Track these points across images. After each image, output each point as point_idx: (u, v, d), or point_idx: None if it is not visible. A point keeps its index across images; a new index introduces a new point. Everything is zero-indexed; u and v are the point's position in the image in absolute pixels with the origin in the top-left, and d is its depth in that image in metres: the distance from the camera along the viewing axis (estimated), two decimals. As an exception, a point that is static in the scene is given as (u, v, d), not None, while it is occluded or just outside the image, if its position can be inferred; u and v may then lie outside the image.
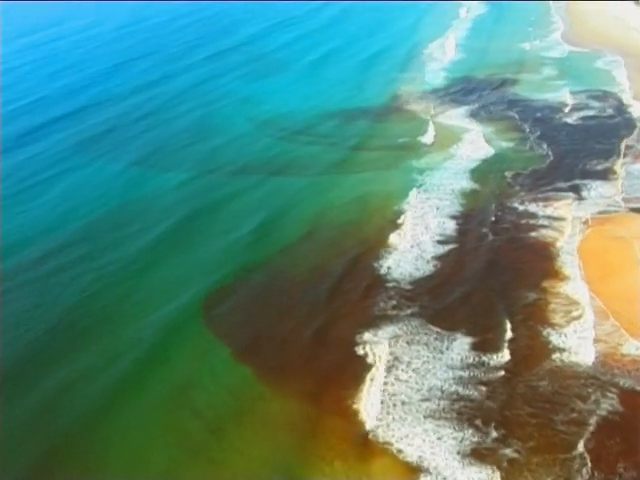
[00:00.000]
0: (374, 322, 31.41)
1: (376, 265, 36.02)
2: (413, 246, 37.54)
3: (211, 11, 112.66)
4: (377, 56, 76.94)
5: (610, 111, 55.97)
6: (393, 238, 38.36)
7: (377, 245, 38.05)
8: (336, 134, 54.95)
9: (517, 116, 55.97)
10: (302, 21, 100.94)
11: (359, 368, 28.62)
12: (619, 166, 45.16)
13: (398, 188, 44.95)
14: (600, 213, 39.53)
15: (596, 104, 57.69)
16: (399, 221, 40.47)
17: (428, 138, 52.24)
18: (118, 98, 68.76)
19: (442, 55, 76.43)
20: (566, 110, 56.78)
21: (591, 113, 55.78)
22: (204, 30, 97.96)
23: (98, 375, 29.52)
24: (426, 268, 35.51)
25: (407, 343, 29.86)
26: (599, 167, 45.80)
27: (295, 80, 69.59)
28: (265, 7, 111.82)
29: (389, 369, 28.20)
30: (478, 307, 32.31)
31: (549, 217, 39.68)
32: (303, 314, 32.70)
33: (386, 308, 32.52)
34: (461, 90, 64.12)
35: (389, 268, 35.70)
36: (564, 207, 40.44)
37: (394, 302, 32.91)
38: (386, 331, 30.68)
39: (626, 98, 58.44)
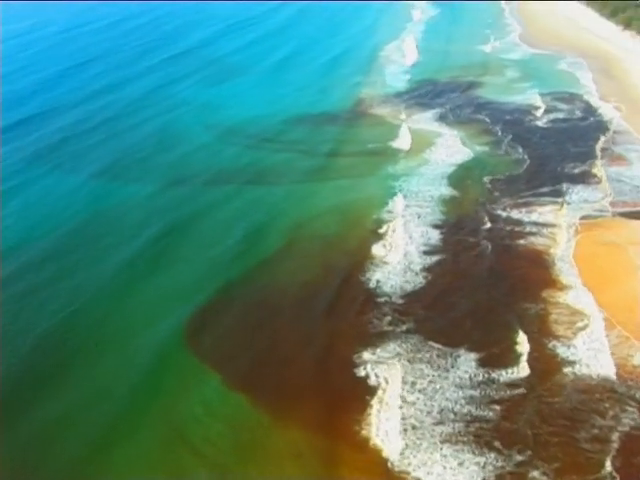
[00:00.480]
0: (372, 340, 30.42)
1: (365, 279, 35.11)
2: (399, 258, 36.89)
3: (161, 11, 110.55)
4: (336, 59, 77.15)
5: (579, 113, 57.44)
6: (378, 249, 37.59)
7: (363, 257, 37.17)
8: (305, 140, 54.14)
9: (487, 119, 56.61)
10: (258, 22, 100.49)
11: (363, 391, 27.50)
12: (598, 169, 46.10)
13: (376, 196, 44.33)
14: (586, 218, 40.06)
15: (564, 106, 59.11)
16: (381, 231, 39.78)
17: (401, 143, 52.00)
18: (70, 105, 65.55)
19: (401, 58, 77.01)
20: (536, 113, 57.87)
21: (561, 116, 57.08)
22: (156, 32, 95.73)
23: (85, 414, 27.05)
24: (416, 281, 34.86)
25: (409, 362, 28.99)
26: (577, 170, 46.68)
27: (256, 84, 68.60)
28: (218, 7, 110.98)
29: (394, 391, 27.22)
30: (477, 320, 31.85)
31: (535, 223, 39.88)
32: (296, 334, 31.33)
33: (382, 325, 31.60)
34: (426, 93, 64.47)
35: (379, 282, 34.85)
36: (549, 213, 40.80)
37: (389, 318, 32.06)
38: (385, 350, 29.73)
39: (593, 100, 60.17)
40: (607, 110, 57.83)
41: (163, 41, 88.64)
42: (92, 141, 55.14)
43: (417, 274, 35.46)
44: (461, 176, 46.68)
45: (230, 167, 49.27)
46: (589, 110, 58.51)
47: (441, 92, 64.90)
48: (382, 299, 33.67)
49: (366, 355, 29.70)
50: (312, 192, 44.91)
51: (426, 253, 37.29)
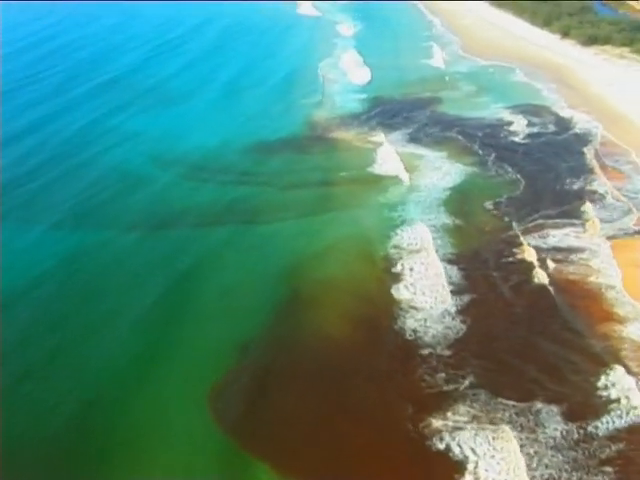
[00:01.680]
0: (434, 404, 28.00)
1: (398, 329, 32.73)
2: (429, 300, 34.89)
3: (75, 35, 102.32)
4: (276, 81, 75.29)
5: (554, 126, 58.78)
6: (401, 292, 35.41)
7: (386, 303, 34.84)
8: (271, 172, 51.19)
9: (461, 138, 56.51)
10: (185, 43, 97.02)
11: (448, 468, 24.96)
12: (599, 185, 46.71)
13: (376, 229, 42.32)
14: (612, 239, 40.01)
15: (536, 120, 60.31)
16: (395, 270, 37.67)
17: (382, 169, 50.50)
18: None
19: (343, 76, 76.34)
20: (509, 128, 58.60)
21: (536, 130, 58.07)
22: (75, 57, 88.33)
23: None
24: (456, 326, 32.93)
25: (490, 424, 26.82)
26: (577, 187, 47.13)
27: (202, 112, 65.15)
28: (135, 28, 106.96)
29: (488, 465, 24.91)
30: (541, 366, 30.30)
31: (560, 249, 39.34)
32: (340, 405, 28.33)
33: (438, 384, 29.27)
34: (384, 113, 63.75)
35: (415, 331, 32.58)
36: (570, 236, 40.46)
37: (442, 375, 29.80)
38: (456, 413, 27.40)
39: (563, 112, 61.86)
40: (581, 121, 59.62)
41: (86, 67, 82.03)
42: (36, 185, 48.79)
43: (454, 318, 33.57)
44: (459, 201, 45.73)
45: (193, 207, 45.24)
46: (562, 122, 60.08)
47: (400, 110, 64.49)
48: (425, 351, 31.42)
49: (436, 422, 27.19)
50: (301, 230, 42.20)
51: (454, 293, 35.53)
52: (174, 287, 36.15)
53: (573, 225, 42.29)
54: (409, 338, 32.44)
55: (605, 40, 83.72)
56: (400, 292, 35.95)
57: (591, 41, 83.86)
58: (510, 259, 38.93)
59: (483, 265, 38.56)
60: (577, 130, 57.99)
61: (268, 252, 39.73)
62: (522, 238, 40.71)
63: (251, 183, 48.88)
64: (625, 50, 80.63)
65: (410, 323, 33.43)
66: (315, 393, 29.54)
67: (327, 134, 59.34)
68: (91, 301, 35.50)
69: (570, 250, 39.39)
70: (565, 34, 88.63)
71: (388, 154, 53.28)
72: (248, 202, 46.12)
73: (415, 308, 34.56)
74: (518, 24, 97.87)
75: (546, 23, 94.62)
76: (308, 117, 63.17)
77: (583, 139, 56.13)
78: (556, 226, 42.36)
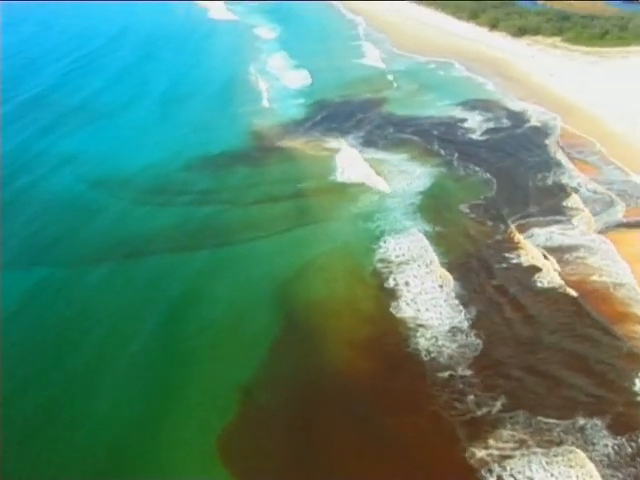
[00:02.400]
0: (472, 432, 26.31)
1: (410, 351, 30.91)
2: (436, 316, 33.34)
3: None
4: (207, 89, 72.59)
5: (508, 120, 58.94)
6: (403, 310, 33.67)
7: (388, 323, 33.01)
8: (225, 188, 48.30)
9: (418, 138, 55.66)
10: (107, 55, 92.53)
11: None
12: (571, 179, 46.76)
13: (354, 243, 40.45)
14: (606, 233, 39.73)
15: (488, 114, 60.41)
16: (388, 286, 35.91)
17: (344, 176, 48.72)
18: None
19: (275, 81, 74.40)
20: (463, 125, 58.36)
21: (492, 125, 58.06)
22: None
23: None
24: (472, 343, 31.47)
25: (538, 447, 25.39)
26: (551, 182, 47.00)
27: (136, 128, 61.13)
28: (48, 38, 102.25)
29: (552, 495, 23.45)
30: (571, 374, 29.26)
31: (553, 249, 38.67)
32: (364, 442, 26.15)
33: (469, 409, 27.63)
34: (330, 117, 62.20)
35: (429, 352, 30.88)
36: (561, 234, 39.98)
37: (471, 397, 28.21)
38: (499, 439, 25.79)
39: (511, 103, 62.20)
40: (535, 113, 60.14)
41: (3, 85, 74.58)
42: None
43: (467, 334, 32.13)
44: (434, 207, 44.57)
45: (161, 234, 41.65)
46: (516, 116, 60.46)
47: (346, 114, 63.11)
48: (446, 374, 29.79)
49: (479, 453, 25.52)
50: (277, 249, 39.73)
51: (460, 306, 34.11)
52: (157, 328, 32.87)
53: (559, 222, 42.00)
54: (425, 360, 30.76)
55: (535, 31, 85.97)
56: (401, 310, 34.28)
57: (521, 32, 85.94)
58: (505, 264, 38.02)
59: (481, 273, 37.46)
60: (534, 123, 58.46)
61: (248, 277, 37.08)
62: (516, 239, 40.01)
63: (211, 202, 45.83)
64: (557, 40, 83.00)
65: (422, 343, 31.77)
66: (335, 435, 27.24)
67: (276, 144, 57.15)
68: (69, 351, 31.63)
69: (565, 249, 38.95)
70: (493, 26, 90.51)
71: (348, 160, 51.71)
72: (213, 224, 43.24)
73: (422, 326, 32.94)
74: (444, 19, 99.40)
75: (472, 17, 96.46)
76: (251, 126, 60.74)
77: (542, 132, 56.59)
78: (542, 224, 41.85)
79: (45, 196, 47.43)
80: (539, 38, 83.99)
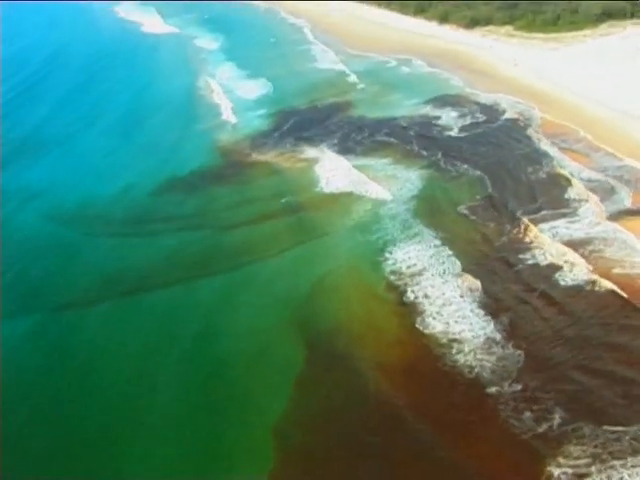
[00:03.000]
0: (539, 451, 24.99)
1: (449, 369, 29.43)
2: (466, 328, 32.01)
3: None
4: (161, 107, 69.71)
5: (483, 114, 58.37)
6: (429, 325, 32.21)
7: (418, 340, 31.50)
8: (199, 212, 46.06)
9: (396, 140, 54.54)
10: (45, 79, 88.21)
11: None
12: (564, 168, 46.30)
13: (358, 258, 38.86)
14: (614, 221, 39.19)
15: (461, 110, 59.80)
16: (408, 300, 34.39)
17: (330, 187, 47.07)
18: None
19: (230, 92, 72.17)
20: (438, 122, 57.58)
21: (468, 120, 57.39)
22: None
23: None
24: (511, 355, 30.18)
25: (615, 459, 24.23)
26: (543, 174, 46.41)
27: (94, 156, 58.05)
28: None
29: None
30: (629, 373, 28.33)
31: (569, 243, 37.81)
32: (434, 471, 24.59)
33: (528, 426, 26.16)
34: (297, 126, 60.51)
35: (471, 368, 29.51)
36: (570, 226, 39.26)
37: (528, 414, 26.87)
38: (569, 456, 24.44)
39: (482, 96, 61.78)
40: (508, 105, 59.80)
41: None
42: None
43: (504, 346, 30.89)
44: (432, 211, 43.40)
45: (146, 267, 39.42)
46: (490, 109, 60.01)
47: (313, 121, 61.56)
48: (494, 390, 28.43)
49: (555, 471, 24.27)
50: (276, 272, 37.78)
51: (489, 315, 32.87)
52: (177, 371, 30.72)
53: (565, 215, 41.39)
54: (468, 378, 29.43)
55: (487, 21, 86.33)
56: (429, 325, 32.85)
57: (473, 23, 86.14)
58: (522, 264, 37.04)
59: (500, 276, 36.38)
60: (510, 115, 58.10)
61: (258, 306, 35.07)
62: (527, 237, 39.07)
63: (195, 228, 43.50)
64: (510, 28, 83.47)
65: (460, 360, 30.40)
66: (395, 466, 25.75)
67: (246, 159, 55.10)
68: (86, 410, 29.16)
69: (580, 241, 38.25)
70: (443, 20, 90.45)
71: (330, 170, 50.17)
72: (205, 251, 40.95)
73: (456, 341, 31.57)
74: (391, 16, 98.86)
75: (419, 12, 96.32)
76: (216, 142, 58.53)
77: (521, 123, 56.23)
78: (547, 219, 41.20)
79: (15, 238, 44.17)
80: (492, 28, 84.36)
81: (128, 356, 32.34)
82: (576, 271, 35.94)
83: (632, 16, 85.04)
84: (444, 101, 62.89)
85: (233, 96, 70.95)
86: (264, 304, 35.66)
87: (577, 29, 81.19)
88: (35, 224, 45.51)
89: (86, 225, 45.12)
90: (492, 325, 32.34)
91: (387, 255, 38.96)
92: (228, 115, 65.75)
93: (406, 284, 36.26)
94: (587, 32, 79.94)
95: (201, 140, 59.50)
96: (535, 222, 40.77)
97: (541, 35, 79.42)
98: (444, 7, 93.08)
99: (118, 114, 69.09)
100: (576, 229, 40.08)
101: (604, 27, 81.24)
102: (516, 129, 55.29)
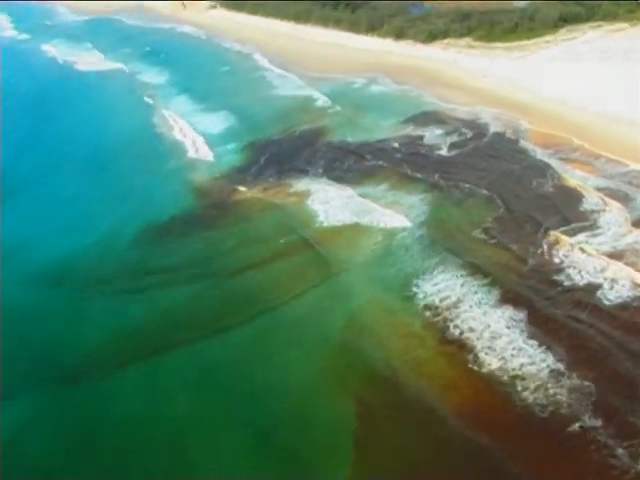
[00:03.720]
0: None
1: (520, 409, 27.88)
2: (525, 362, 30.58)
3: None
4: (118, 153, 65.04)
5: (468, 130, 57.77)
6: (483, 363, 30.63)
7: (477, 381, 29.83)
8: (190, 261, 42.37)
9: (386, 164, 53.27)
10: None
11: None
12: (572, 178, 45.82)
13: (384, 295, 37.07)
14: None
15: (445, 127, 59.13)
16: (452, 336, 32.68)
17: (330, 220, 45.19)
18: None
19: (192, 129, 69.48)
20: (425, 142, 56.63)
21: (455, 138, 56.67)
22: None
23: None
24: (583, 385, 28.91)
25: None
26: (550, 188, 45.75)
27: (64, 205, 53.96)
28: None
29: None
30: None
31: (608, 256, 36.95)
32: None
33: (626, 463, 24.84)
34: (275, 157, 58.56)
35: (543, 406, 27.99)
36: (596, 239, 38.50)
37: (620, 450, 25.39)
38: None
39: (460, 111, 61.33)
40: (491, 118, 59.43)
41: None
42: None
43: (570, 376, 29.60)
44: (446, 237, 42.03)
45: (150, 326, 36.25)
46: (473, 124, 59.50)
47: (292, 150, 59.73)
48: (576, 427, 27.01)
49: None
50: (298, 319, 35.41)
51: (544, 345, 31.54)
52: (215, 446, 28.05)
53: (589, 227, 40.68)
54: (544, 416, 27.96)
55: (444, 34, 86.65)
56: (484, 363, 31.29)
57: (431, 37, 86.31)
58: (561, 287, 36.00)
59: (542, 302, 35.19)
60: (496, 128, 57.68)
61: (288, 359, 32.71)
62: (557, 255, 38.07)
63: (189, 279, 40.64)
64: (469, 40, 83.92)
65: (529, 397, 28.94)
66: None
67: (228, 198, 52.73)
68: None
69: (615, 254, 37.50)
70: (398, 36, 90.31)
71: (326, 202, 48.36)
72: (208, 303, 38.33)
73: (518, 377, 30.14)
74: (344, 36, 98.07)
75: (370, 29, 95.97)
76: (190, 183, 55.84)
77: (510, 136, 55.90)
78: (571, 233, 40.44)
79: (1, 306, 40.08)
80: (450, 41, 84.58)
81: (160, 429, 29.68)
82: (618, 287, 35.26)
83: (588, 20, 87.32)
84: (424, 119, 62.17)
85: (196, 131, 68.47)
86: (296, 356, 33.45)
87: (537, 36, 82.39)
88: (20, 288, 41.55)
89: (77, 285, 41.56)
90: (551, 355, 31.14)
91: (415, 289, 37.35)
92: (196, 152, 63.22)
93: (445, 319, 34.69)
94: (548, 38, 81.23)
95: (174, 181, 56.71)
96: (560, 239, 39.99)
97: (502, 44, 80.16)
98: (399, 22, 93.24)
99: (78, 159, 64.83)
100: (604, 241, 39.49)
101: (563, 32, 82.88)
102: (507, 142, 54.84)
